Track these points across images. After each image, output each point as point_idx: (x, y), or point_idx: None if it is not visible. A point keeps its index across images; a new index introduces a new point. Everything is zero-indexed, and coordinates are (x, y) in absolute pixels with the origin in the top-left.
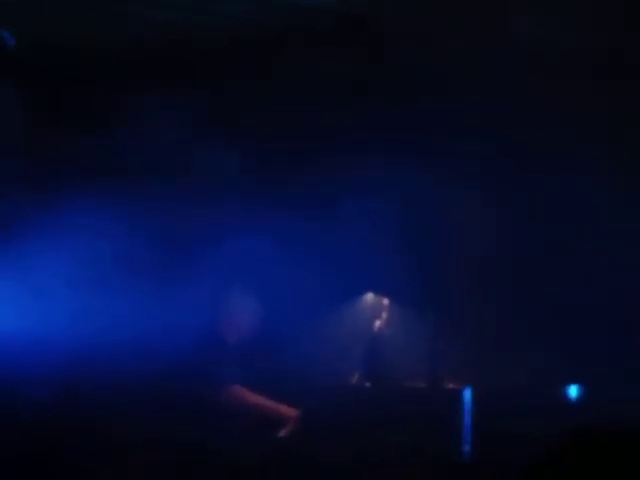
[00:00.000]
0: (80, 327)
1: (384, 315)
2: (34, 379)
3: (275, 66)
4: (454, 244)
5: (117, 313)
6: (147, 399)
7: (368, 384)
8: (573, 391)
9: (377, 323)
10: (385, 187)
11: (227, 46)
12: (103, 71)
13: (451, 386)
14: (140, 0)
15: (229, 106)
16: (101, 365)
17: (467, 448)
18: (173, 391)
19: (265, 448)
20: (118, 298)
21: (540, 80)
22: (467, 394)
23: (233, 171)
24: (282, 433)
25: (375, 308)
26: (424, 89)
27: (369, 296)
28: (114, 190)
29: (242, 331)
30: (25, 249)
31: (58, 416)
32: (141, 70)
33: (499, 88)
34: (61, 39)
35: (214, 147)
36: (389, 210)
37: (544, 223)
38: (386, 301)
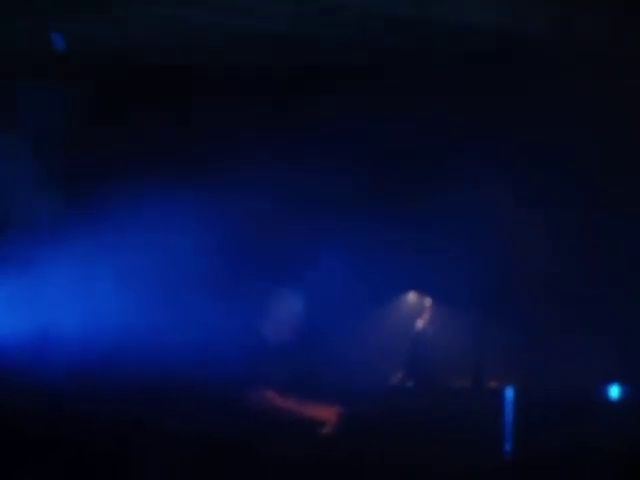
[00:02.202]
0: (132, 327)
1: (427, 314)
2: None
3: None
4: (501, 245)
5: (160, 314)
6: (184, 398)
7: (410, 384)
8: (616, 391)
9: (420, 322)
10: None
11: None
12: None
13: (494, 385)
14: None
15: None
16: (139, 363)
17: (509, 447)
18: (210, 391)
19: (304, 449)
20: (162, 300)
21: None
22: (510, 393)
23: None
24: (322, 434)
25: (418, 307)
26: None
27: (411, 295)
28: (169, 193)
29: (287, 332)
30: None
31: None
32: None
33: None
34: (113, 42)
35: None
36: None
37: (592, 231)
38: (429, 300)
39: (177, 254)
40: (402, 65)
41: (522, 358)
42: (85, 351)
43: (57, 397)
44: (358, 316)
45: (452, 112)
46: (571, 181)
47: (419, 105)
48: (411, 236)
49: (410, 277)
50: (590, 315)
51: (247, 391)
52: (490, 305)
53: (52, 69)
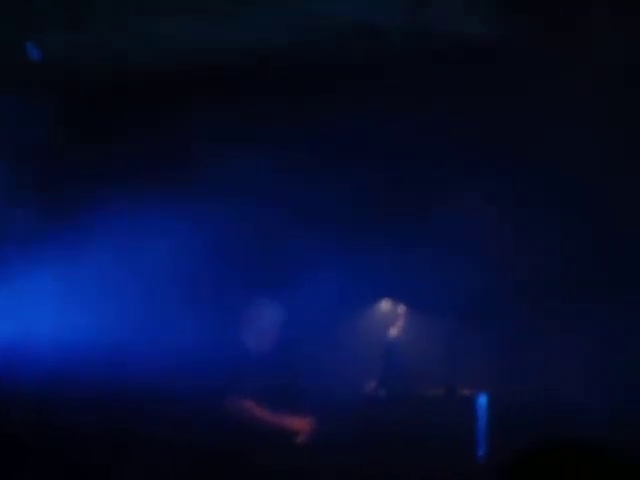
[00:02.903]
0: (111, 338)
1: (400, 322)
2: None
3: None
4: (476, 252)
5: (143, 321)
6: (163, 407)
7: (384, 392)
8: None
9: (393, 330)
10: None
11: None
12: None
13: (466, 392)
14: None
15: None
16: (119, 373)
17: (481, 453)
18: (189, 400)
19: (280, 458)
20: (142, 310)
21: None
22: (483, 400)
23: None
24: (297, 443)
25: (391, 315)
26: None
27: (385, 303)
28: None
29: (265, 342)
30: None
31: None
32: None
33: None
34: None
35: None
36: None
37: (572, 237)
38: (402, 308)
39: (157, 263)
40: (399, 68)
41: (496, 365)
42: (64, 361)
43: (39, 407)
44: (332, 324)
45: (441, 117)
46: (556, 188)
47: (412, 110)
48: (385, 242)
49: (383, 284)
50: (566, 320)
51: (226, 401)
52: (464, 312)
53: (28, 80)
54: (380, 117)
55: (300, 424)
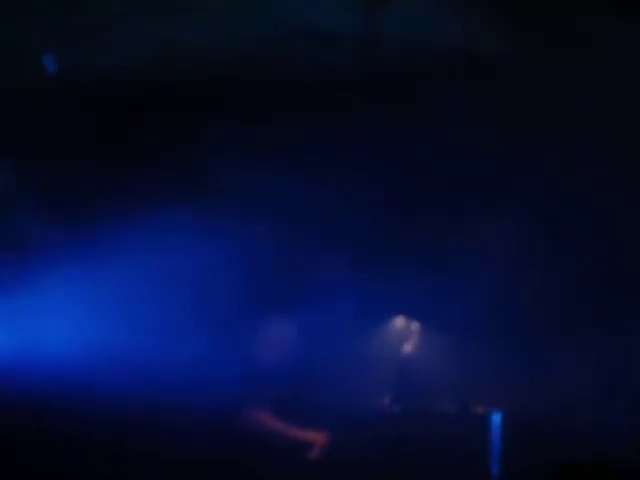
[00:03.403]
0: (125, 348)
1: (414, 339)
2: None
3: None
4: (483, 268)
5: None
6: (177, 419)
7: (398, 408)
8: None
9: (407, 347)
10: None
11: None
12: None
13: (480, 409)
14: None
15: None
16: (133, 384)
17: (495, 470)
18: (203, 412)
19: (293, 472)
20: (157, 322)
21: None
22: (497, 418)
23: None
24: (310, 457)
25: (405, 332)
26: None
27: (399, 319)
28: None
29: (280, 356)
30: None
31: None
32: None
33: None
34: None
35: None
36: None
37: (582, 256)
38: (416, 325)
39: (171, 278)
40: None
41: (510, 382)
42: (78, 372)
43: (49, 416)
44: (347, 340)
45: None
46: (568, 204)
47: (425, 128)
48: (399, 260)
49: (398, 301)
50: (580, 337)
51: (240, 413)
52: (478, 329)
53: (44, 93)
54: (397, 136)
55: (315, 438)
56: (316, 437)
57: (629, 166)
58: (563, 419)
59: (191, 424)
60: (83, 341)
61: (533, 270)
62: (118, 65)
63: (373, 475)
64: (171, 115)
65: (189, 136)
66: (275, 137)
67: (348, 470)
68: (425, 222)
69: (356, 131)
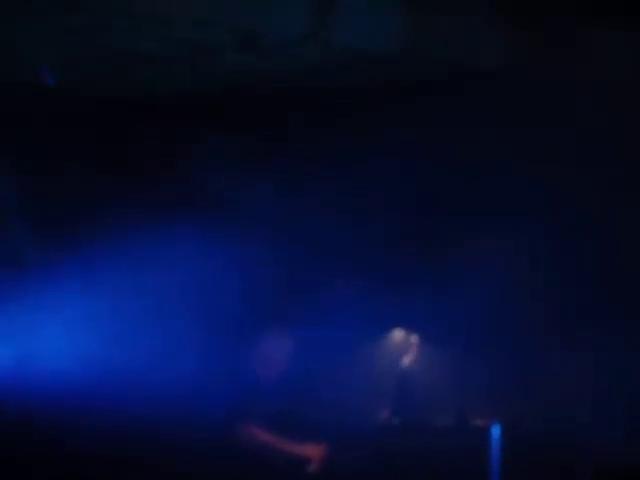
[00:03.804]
0: (122, 363)
1: (413, 352)
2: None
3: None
4: (481, 281)
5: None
6: (173, 434)
7: (397, 421)
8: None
9: (406, 360)
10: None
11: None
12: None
13: (479, 422)
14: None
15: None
16: (128, 400)
17: None
18: (198, 427)
19: None
20: (153, 337)
21: None
22: (496, 431)
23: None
24: (308, 472)
25: (404, 345)
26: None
27: (397, 332)
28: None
29: (277, 370)
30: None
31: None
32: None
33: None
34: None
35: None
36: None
37: (578, 273)
38: (415, 338)
39: (170, 293)
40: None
41: (509, 395)
42: (75, 388)
43: (48, 434)
44: (346, 353)
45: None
46: (564, 215)
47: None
48: (398, 274)
49: (396, 315)
50: (579, 350)
51: (236, 427)
52: (476, 342)
53: (42, 107)
54: (395, 151)
55: (313, 452)
56: (314, 451)
57: (628, 170)
58: (562, 431)
59: (188, 439)
60: (80, 356)
61: (532, 284)
62: (113, 79)
63: None
64: (165, 129)
65: (184, 150)
66: (273, 148)
67: None
68: (423, 235)
69: (354, 142)
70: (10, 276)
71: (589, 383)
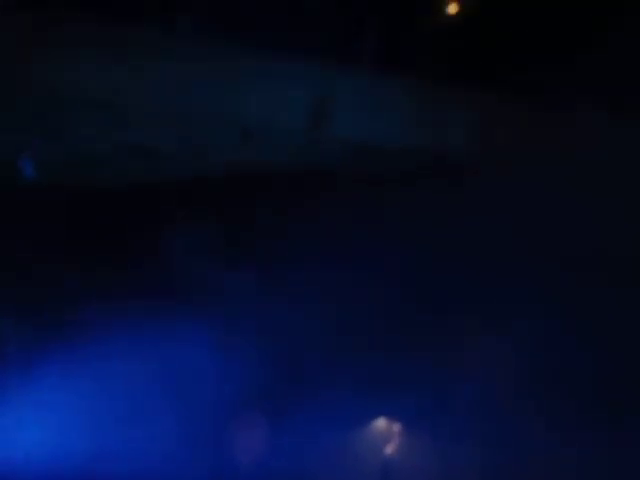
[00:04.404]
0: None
1: (395, 440)
2: None
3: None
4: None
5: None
6: None
7: None
8: None
9: (389, 448)
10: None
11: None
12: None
13: None
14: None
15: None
16: None
17: None
18: None
19: None
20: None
21: None
22: None
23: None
24: None
25: (387, 433)
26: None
27: (381, 421)
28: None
29: (255, 456)
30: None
31: None
32: None
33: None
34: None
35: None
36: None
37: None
38: (398, 426)
39: (146, 376)
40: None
41: None
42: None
43: None
44: (329, 442)
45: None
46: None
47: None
48: (382, 363)
49: (380, 404)
50: (565, 446)
51: None
52: (462, 433)
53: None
54: (381, 241)
55: None
56: None
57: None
58: None
59: None
60: (59, 443)
61: (519, 375)
62: (96, 169)
63: None
64: (148, 217)
65: (167, 238)
66: (257, 237)
67: None
68: (408, 327)
69: (326, 228)
70: None
71: (579, 469)
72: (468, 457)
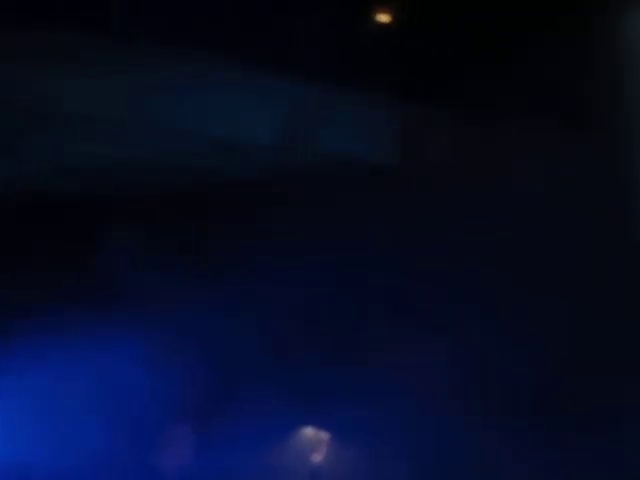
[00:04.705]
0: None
1: (323, 449)
2: None
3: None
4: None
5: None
6: None
7: None
8: None
9: (316, 457)
10: None
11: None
12: None
13: None
14: None
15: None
16: None
17: None
18: None
19: None
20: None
21: None
22: None
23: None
24: None
25: (314, 442)
26: None
27: (308, 430)
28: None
29: (181, 470)
30: None
31: None
32: None
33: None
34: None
35: None
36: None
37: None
38: (325, 435)
39: (75, 389)
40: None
41: None
42: None
43: None
44: (257, 452)
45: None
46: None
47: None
48: (315, 371)
49: (311, 414)
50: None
51: None
52: (391, 441)
53: None
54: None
55: None
56: None
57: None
58: None
59: None
60: None
61: (451, 392)
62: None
63: None
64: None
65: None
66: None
67: None
68: (341, 336)
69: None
70: None
71: None
72: (399, 469)
